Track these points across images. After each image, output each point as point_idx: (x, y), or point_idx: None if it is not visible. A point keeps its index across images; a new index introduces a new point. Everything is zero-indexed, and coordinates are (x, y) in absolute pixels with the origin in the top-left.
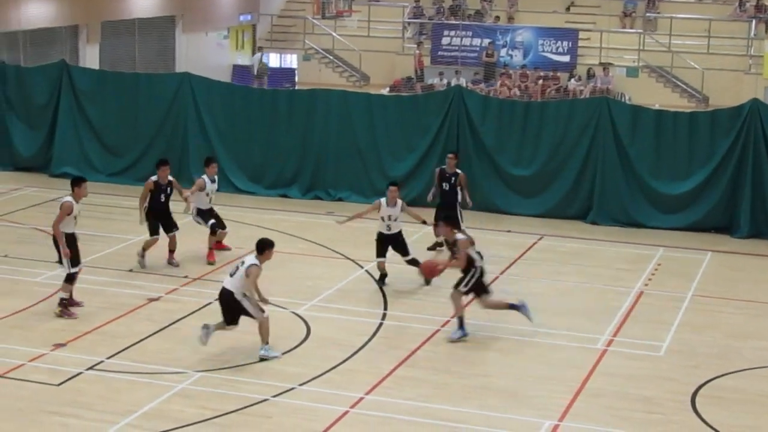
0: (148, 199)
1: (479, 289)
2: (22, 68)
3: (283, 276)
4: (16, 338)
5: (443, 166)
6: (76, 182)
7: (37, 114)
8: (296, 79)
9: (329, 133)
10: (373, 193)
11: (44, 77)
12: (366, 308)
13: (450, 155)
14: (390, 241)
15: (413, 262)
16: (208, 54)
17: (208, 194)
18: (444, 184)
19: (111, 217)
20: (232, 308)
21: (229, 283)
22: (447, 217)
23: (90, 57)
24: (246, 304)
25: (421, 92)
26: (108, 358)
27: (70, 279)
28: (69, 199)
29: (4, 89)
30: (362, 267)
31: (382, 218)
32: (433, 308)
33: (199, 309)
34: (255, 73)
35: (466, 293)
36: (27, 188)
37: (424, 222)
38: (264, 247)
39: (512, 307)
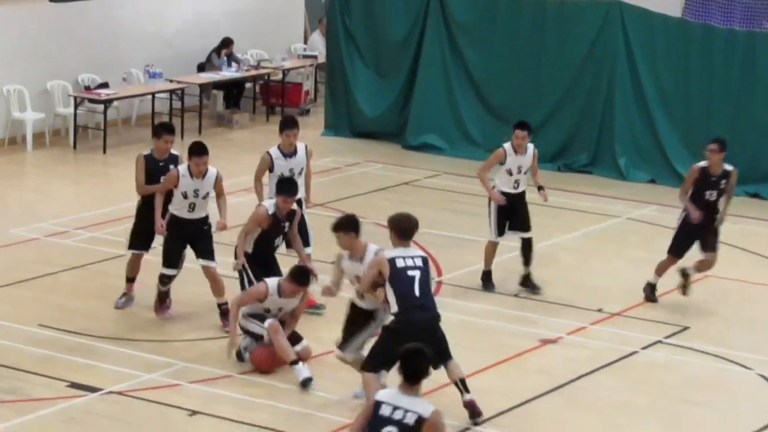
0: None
1: None
2: None
3: (747, 320)
4: None
5: None
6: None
7: (390, 56)
8: None
9: None
10: None
11: (403, 2)
12: None
13: None
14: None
15: None
16: None
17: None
18: None
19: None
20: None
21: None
22: None
23: None
24: None
25: None
26: (476, 423)
27: (162, 280)
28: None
29: (344, 19)
30: None
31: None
32: None
33: (615, 361)
34: None
35: None
36: (369, 164)
37: None
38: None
39: None
